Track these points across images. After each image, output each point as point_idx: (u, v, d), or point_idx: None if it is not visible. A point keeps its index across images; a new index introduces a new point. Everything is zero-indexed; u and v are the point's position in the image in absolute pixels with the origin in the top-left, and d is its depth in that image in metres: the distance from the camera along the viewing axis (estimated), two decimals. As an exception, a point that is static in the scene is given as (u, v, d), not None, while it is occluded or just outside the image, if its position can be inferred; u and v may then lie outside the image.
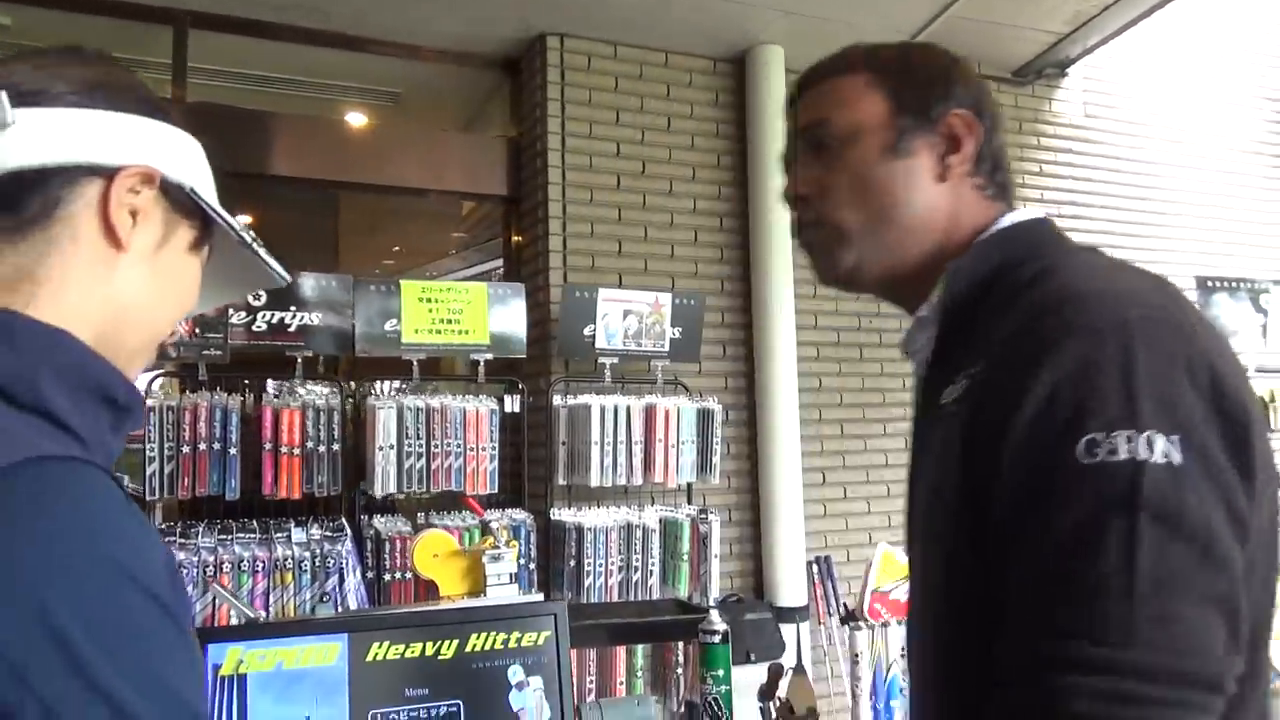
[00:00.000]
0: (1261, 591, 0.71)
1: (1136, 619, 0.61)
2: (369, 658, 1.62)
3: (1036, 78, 4.89)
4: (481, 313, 3.40)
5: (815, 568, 4.03)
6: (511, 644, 1.75)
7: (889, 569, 2.28)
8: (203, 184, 0.77)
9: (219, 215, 0.77)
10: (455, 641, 1.70)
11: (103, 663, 0.52)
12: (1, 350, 0.61)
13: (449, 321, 3.34)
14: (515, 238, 4.18)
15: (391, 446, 3.08)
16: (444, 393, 3.30)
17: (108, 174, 0.68)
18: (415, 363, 3.27)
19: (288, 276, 0.88)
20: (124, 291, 0.70)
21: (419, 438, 3.13)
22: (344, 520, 3.06)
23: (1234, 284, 5.07)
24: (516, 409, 3.45)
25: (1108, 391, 0.66)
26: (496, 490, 3.30)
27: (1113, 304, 0.71)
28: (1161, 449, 0.64)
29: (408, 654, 1.66)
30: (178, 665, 0.57)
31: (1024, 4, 4.19)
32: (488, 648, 1.73)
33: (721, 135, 4.20)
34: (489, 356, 3.39)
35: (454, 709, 1.65)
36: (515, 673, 1.74)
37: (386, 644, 1.65)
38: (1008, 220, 0.90)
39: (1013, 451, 0.69)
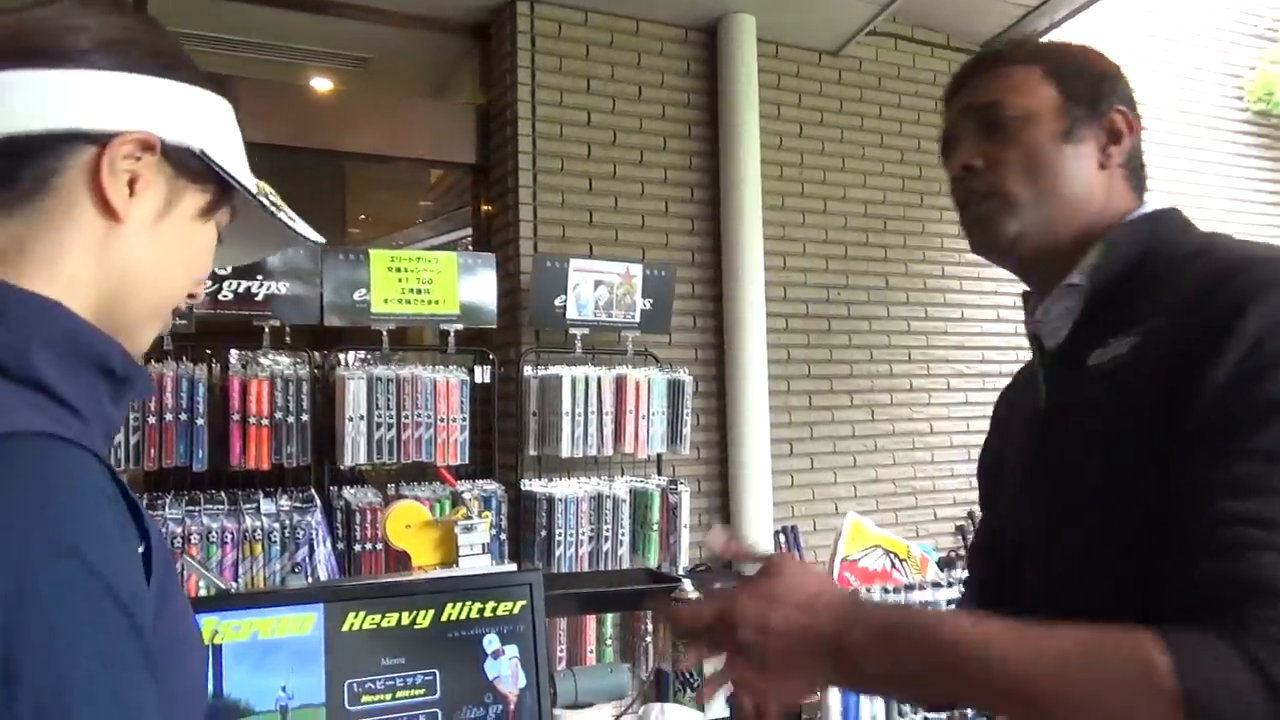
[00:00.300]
0: None
1: None
2: (345, 627, 1.62)
3: (1005, 51, 4.91)
4: (451, 282, 3.38)
5: (782, 537, 4.08)
6: (487, 613, 1.76)
7: (858, 537, 2.31)
8: (221, 145, 0.73)
9: (234, 180, 0.74)
10: (431, 611, 1.71)
11: (41, 674, 0.48)
12: None
13: (418, 291, 3.31)
14: (484, 206, 4.15)
15: (361, 417, 3.06)
16: (414, 363, 3.28)
17: (101, 140, 0.65)
18: (385, 333, 3.24)
19: (319, 237, 0.85)
20: (123, 262, 0.68)
21: (389, 408, 3.11)
22: (313, 491, 3.05)
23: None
24: (487, 379, 3.44)
25: None
26: (467, 461, 3.30)
27: None
28: None
29: (384, 624, 1.66)
30: (132, 685, 0.52)
31: (994, -24, 4.21)
32: (463, 617, 1.74)
33: (693, 105, 4.18)
34: (459, 327, 3.37)
35: (430, 678, 1.66)
36: (491, 641, 1.75)
37: (362, 614, 1.65)
38: (1149, 207, 0.99)
39: (1222, 383, 0.77)
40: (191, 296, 0.77)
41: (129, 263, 0.68)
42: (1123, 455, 0.84)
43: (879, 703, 1.96)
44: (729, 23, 4.12)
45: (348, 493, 3.09)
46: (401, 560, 2.84)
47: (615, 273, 3.63)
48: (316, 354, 3.27)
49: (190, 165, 0.71)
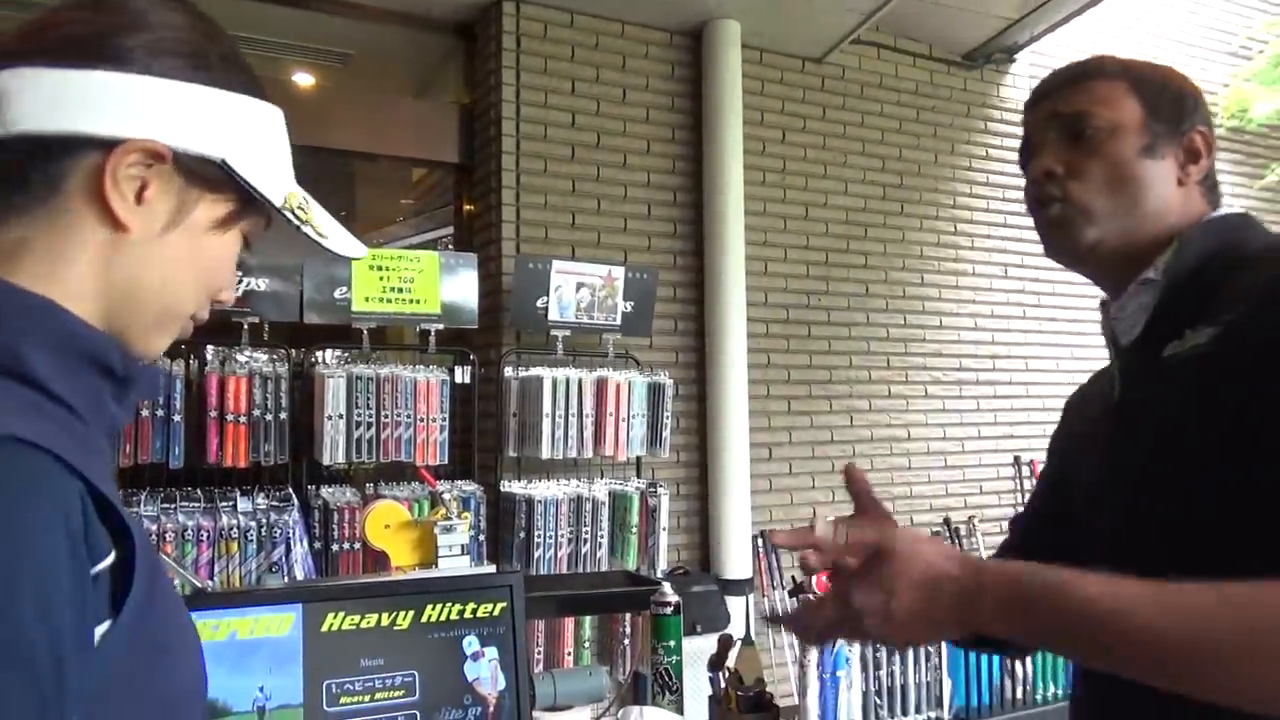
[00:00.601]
0: None
1: None
2: (324, 628, 1.61)
3: (985, 62, 4.97)
4: (433, 282, 3.36)
5: (760, 541, 4.10)
6: (467, 615, 1.75)
7: (837, 543, 2.33)
8: (251, 153, 0.70)
9: (257, 193, 0.71)
10: (411, 612, 1.70)
11: None
12: None
13: (400, 290, 3.30)
14: (467, 206, 4.13)
15: (340, 416, 3.04)
16: (394, 362, 3.26)
17: (109, 146, 0.63)
18: (365, 331, 3.22)
19: (354, 251, 0.81)
20: (128, 270, 0.66)
21: (368, 407, 3.10)
22: (291, 490, 3.02)
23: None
24: (467, 380, 3.43)
25: None
26: (446, 461, 3.29)
27: None
28: None
29: (363, 624, 1.65)
30: None
31: (976, -11, 4.25)
32: (444, 618, 1.73)
33: (676, 109, 4.19)
34: (440, 326, 3.35)
35: (409, 679, 1.65)
36: (471, 643, 1.74)
37: (341, 614, 1.64)
38: (1222, 211, 1.04)
39: None
40: (219, 302, 0.76)
41: (134, 271, 0.66)
42: (1202, 439, 0.88)
43: (856, 702, 1.97)
44: (714, 28, 4.13)
45: (325, 492, 3.07)
46: (379, 560, 2.83)
47: (597, 275, 3.63)
48: (295, 351, 3.24)
49: (208, 175, 0.69)
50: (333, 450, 3.03)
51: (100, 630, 0.55)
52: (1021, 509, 1.28)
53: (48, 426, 0.55)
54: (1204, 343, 0.90)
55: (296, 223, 0.74)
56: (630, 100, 4.08)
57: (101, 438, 0.64)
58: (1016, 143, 4.34)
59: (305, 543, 2.92)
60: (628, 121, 4.07)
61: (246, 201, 0.72)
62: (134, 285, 0.67)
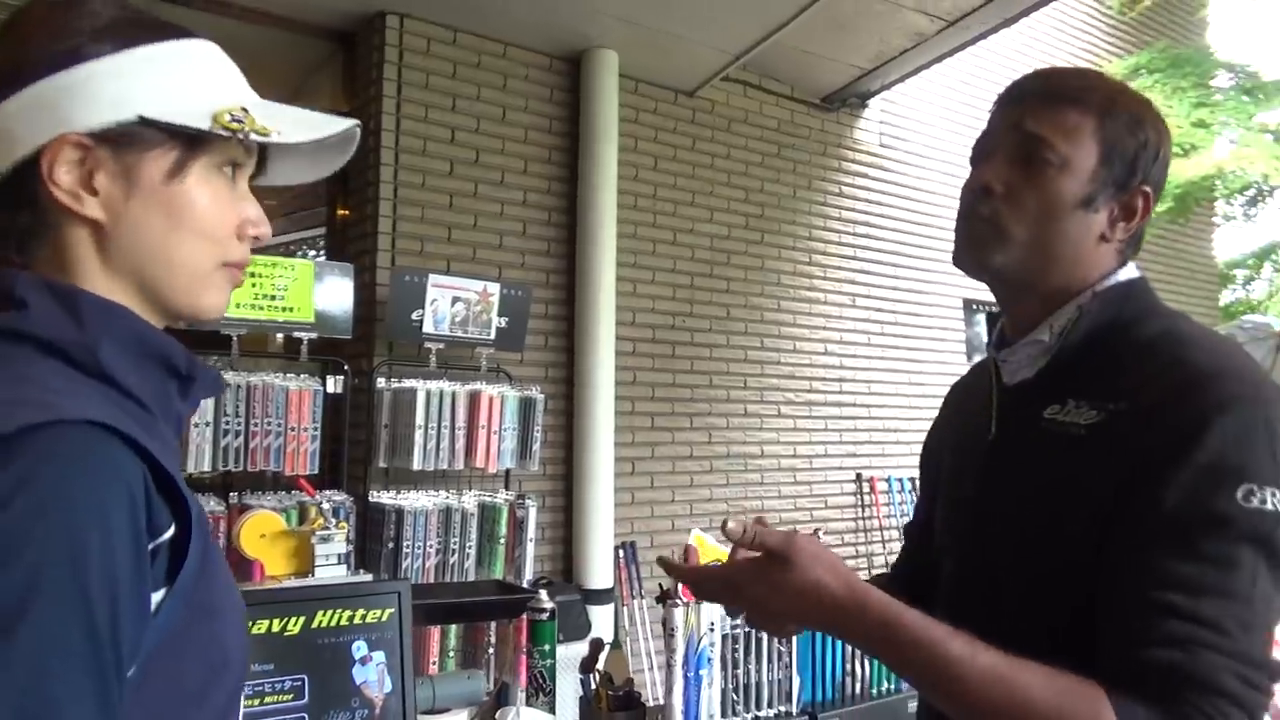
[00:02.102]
0: None
1: (1254, 624, 0.83)
2: (214, 634, 1.64)
3: (841, 106, 5.34)
4: (307, 290, 3.35)
5: (621, 553, 4.26)
6: (356, 620, 1.81)
7: (701, 551, 2.50)
8: (168, 93, 0.70)
9: (179, 129, 0.70)
10: (301, 619, 1.74)
11: None
12: (69, 323, 0.65)
13: (272, 298, 3.27)
14: (341, 212, 4.12)
15: (208, 424, 2.99)
16: (266, 370, 3.23)
17: (36, 158, 0.67)
18: (235, 338, 3.18)
19: (333, 126, 0.78)
20: (126, 257, 0.70)
21: (238, 415, 3.06)
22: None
23: (991, 307, 5.75)
24: (339, 390, 3.43)
25: (1262, 455, 0.85)
26: (316, 471, 3.27)
27: (1251, 382, 0.89)
28: None
29: (254, 630, 1.69)
30: (63, 679, 0.54)
31: (836, 38, 4.58)
32: (333, 624, 1.79)
33: (554, 131, 4.31)
34: (313, 335, 3.34)
35: (299, 683, 1.70)
36: (359, 648, 1.80)
37: (232, 621, 1.67)
38: (1123, 275, 1.04)
39: (1186, 487, 0.85)
40: (255, 239, 0.77)
41: (130, 252, 0.70)
42: (1064, 519, 0.94)
43: (716, 699, 2.14)
44: (593, 56, 4.29)
45: (189, 500, 3.01)
46: (246, 569, 2.80)
47: (474, 290, 3.70)
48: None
49: (133, 136, 0.69)
50: (198, 458, 2.98)
51: (156, 597, 0.62)
52: (911, 517, 1.36)
53: (118, 414, 0.62)
54: (1082, 424, 0.94)
55: (228, 134, 0.71)
56: (510, 120, 4.18)
57: (168, 429, 0.71)
58: (867, 182, 4.76)
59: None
60: (506, 140, 4.16)
61: (191, 139, 0.71)
62: (140, 264, 0.71)
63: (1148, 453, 0.88)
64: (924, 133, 5.84)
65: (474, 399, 3.59)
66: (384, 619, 1.84)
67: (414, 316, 3.55)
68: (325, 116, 0.79)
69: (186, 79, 0.72)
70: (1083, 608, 0.92)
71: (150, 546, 0.61)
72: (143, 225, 0.70)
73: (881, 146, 5.60)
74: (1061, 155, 0.99)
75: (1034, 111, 1.01)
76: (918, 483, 1.35)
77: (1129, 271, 1.04)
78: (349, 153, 0.84)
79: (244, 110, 0.73)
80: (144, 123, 0.69)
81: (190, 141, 0.71)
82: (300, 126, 0.77)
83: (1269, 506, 0.84)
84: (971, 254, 1.05)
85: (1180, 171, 6.27)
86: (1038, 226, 1.00)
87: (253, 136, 0.72)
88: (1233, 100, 6.84)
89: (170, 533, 0.63)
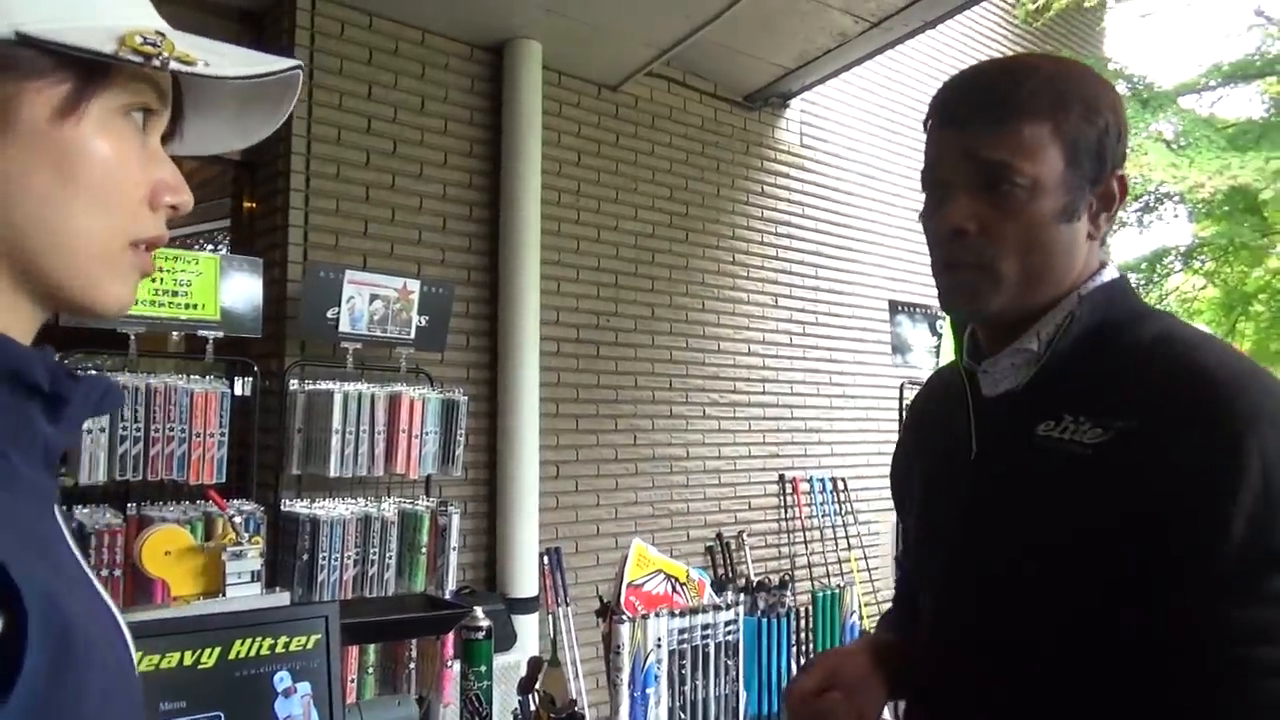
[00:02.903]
0: None
1: None
2: (119, 671, 1.47)
3: (764, 105, 5.32)
4: (212, 286, 3.13)
5: (546, 559, 4.13)
6: (279, 649, 1.66)
7: (641, 563, 2.40)
8: (60, 6, 0.54)
9: (72, 50, 0.53)
10: (217, 649, 1.59)
11: None
12: None
13: (174, 294, 3.04)
14: (247, 204, 3.88)
15: (103, 430, 2.75)
16: (168, 372, 3.00)
17: None
18: (133, 337, 2.94)
19: (264, 63, 0.60)
20: None
21: (136, 420, 2.82)
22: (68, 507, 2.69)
23: (915, 309, 5.85)
24: (247, 392, 3.21)
25: None
26: (224, 479, 3.06)
27: (1269, 385, 0.84)
28: None
29: (164, 664, 1.52)
30: None
31: (760, 37, 4.55)
32: (252, 654, 1.63)
33: (475, 124, 4.16)
34: (219, 334, 3.12)
35: (215, 721, 1.54)
36: (282, 679, 1.65)
37: (140, 654, 1.49)
38: (1106, 275, 0.98)
39: (1237, 523, 0.79)
40: (173, 209, 0.61)
41: (1, 214, 0.53)
42: (1069, 546, 0.88)
43: (664, 717, 2.05)
44: (515, 46, 4.15)
45: (81, 512, 2.76)
46: (145, 589, 2.59)
47: (393, 288, 3.52)
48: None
49: (16, 58, 0.52)
50: (92, 467, 2.74)
51: None
52: (898, 553, 1.33)
53: None
54: (1087, 443, 0.87)
55: (140, 61, 0.54)
56: (429, 110, 4.01)
57: (29, 465, 0.54)
58: (788, 182, 4.73)
59: (56, 571, 2.61)
60: (426, 132, 3.99)
61: (90, 69, 0.54)
62: (12, 232, 0.54)
63: (1178, 482, 0.81)
64: (843, 133, 5.87)
65: (394, 401, 3.42)
66: (309, 646, 1.69)
67: (329, 314, 3.36)
68: (260, 54, 0.62)
69: None
70: (1092, 641, 0.86)
71: None
72: (18, 179, 0.53)
73: (802, 146, 5.61)
74: (1029, 176, 0.91)
75: (984, 136, 0.93)
76: (895, 509, 1.27)
77: (1110, 271, 0.99)
78: (285, 109, 0.66)
79: (159, 35, 0.56)
80: (24, 41, 0.52)
81: (88, 71, 0.54)
82: (231, 60, 0.59)
83: None
84: (965, 305, 0.98)
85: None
86: (1026, 256, 0.93)
87: (173, 65, 0.55)
88: (1130, 110, 7.11)
89: None
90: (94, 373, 0.59)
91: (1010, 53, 7.49)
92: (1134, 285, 1.03)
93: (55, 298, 0.57)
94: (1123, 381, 0.89)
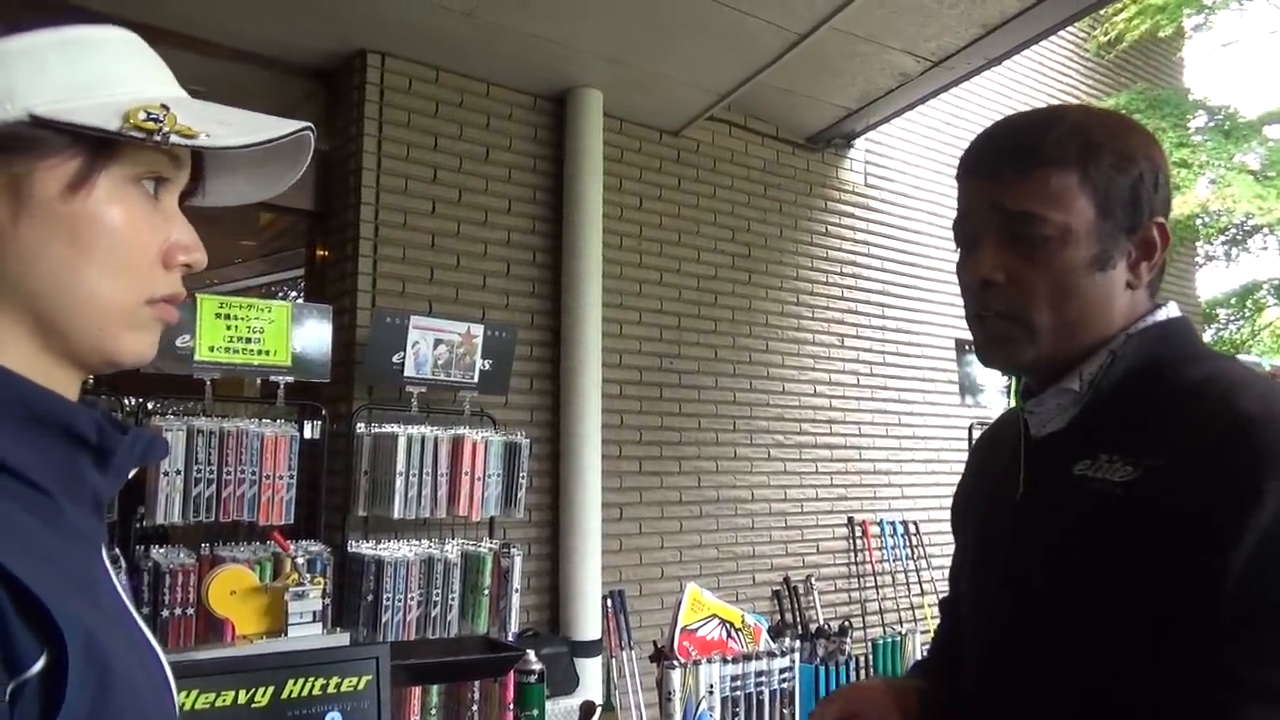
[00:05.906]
0: None
1: None
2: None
3: (826, 145, 5.32)
4: (283, 332, 3.24)
5: (609, 602, 4.12)
6: (331, 689, 1.69)
7: (696, 607, 2.37)
8: (71, 88, 0.58)
9: (81, 129, 0.56)
10: (271, 689, 1.62)
11: None
12: None
13: (247, 340, 3.16)
14: (320, 253, 4.02)
15: (179, 472, 2.86)
16: (240, 416, 3.11)
17: None
18: (209, 382, 3.06)
19: (270, 128, 0.64)
20: (13, 292, 0.57)
21: (210, 463, 2.93)
22: (118, 550, 2.80)
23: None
24: (316, 435, 3.30)
25: None
26: (291, 520, 3.14)
27: None
28: None
29: (219, 703, 1.56)
30: None
31: (820, 79, 4.56)
32: (305, 694, 1.66)
33: (539, 171, 4.25)
34: (290, 379, 3.23)
35: (267, 760, 1.57)
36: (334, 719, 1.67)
37: (195, 693, 1.54)
38: (1161, 315, 0.95)
39: (1244, 566, 0.76)
40: (186, 267, 0.64)
41: (22, 286, 0.57)
42: (1095, 586, 0.86)
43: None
44: (577, 95, 4.24)
45: (157, 553, 2.86)
46: (215, 627, 2.66)
47: (456, 332, 3.60)
48: (131, 401, 3.04)
49: (22, 139, 0.56)
50: (168, 509, 2.84)
51: None
52: (945, 593, 1.28)
53: None
54: (1116, 481, 0.85)
55: (141, 136, 0.58)
56: (493, 159, 4.11)
57: (80, 513, 0.58)
58: (853, 222, 4.68)
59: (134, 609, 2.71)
60: (490, 180, 4.09)
61: (98, 144, 0.58)
62: (35, 301, 0.58)
63: (1193, 519, 0.78)
64: (909, 172, 5.83)
65: (457, 444, 3.47)
66: (360, 687, 1.72)
67: (395, 359, 3.44)
68: (268, 118, 0.66)
69: (91, 70, 0.59)
70: (1109, 682, 0.84)
71: (9, 687, 0.48)
72: (37, 253, 0.57)
73: (867, 186, 5.58)
74: (1058, 226, 0.90)
75: (1010, 185, 0.92)
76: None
77: (1169, 310, 0.96)
78: (301, 165, 0.71)
79: (163, 108, 0.59)
80: (36, 123, 0.56)
81: (96, 147, 0.58)
82: (236, 129, 0.63)
83: None
84: (999, 355, 0.98)
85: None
86: (1059, 306, 0.92)
87: (173, 139, 0.59)
88: (1212, 141, 6.90)
89: (40, 663, 0.49)
90: (141, 427, 0.63)
91: (1082, 86, 7.37)
92: (1193, 326, 0.97)
93: (76, 355, 0.61)
94: (1161, 421, 0.87)
